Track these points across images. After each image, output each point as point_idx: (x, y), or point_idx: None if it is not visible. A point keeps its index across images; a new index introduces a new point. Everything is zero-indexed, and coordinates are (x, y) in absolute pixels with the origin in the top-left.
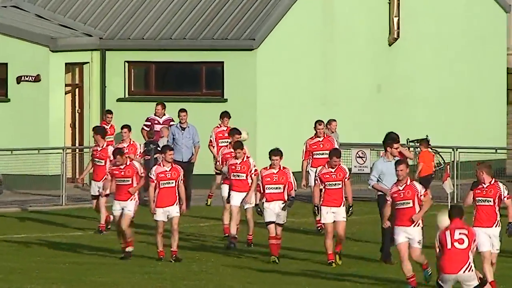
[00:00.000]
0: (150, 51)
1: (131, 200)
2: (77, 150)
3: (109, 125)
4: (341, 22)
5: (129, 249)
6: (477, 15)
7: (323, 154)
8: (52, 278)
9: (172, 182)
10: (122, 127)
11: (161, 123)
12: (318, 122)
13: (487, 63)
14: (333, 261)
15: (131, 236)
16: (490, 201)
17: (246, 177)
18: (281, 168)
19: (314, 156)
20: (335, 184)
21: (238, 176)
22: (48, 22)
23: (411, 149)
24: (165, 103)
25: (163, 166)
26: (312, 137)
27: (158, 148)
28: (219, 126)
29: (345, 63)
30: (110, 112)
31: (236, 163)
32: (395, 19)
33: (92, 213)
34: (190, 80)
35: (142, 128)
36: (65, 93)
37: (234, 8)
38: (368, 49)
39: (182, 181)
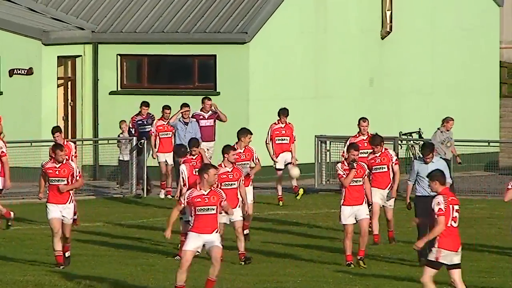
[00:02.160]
0: (142, 44)
1: (69, 202)
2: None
3: (167, 121)
4: (334, 16)
5: (68, 253)
6: (469, 9)
7: (366, 153)
8: (45, 270)
9: (234, 184)
10: (54, 131)
11: (206, 118)
12: (362, 119)
13: (480, 56)
14: (352, 262)
15: (69, 241)
16: None
17: None
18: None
19: None
20: (357, 180)
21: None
22: (41, 16)
23: (403, 142)
24: (159, 96)
25: (225, 166)
26: (356, 135)
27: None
28: (276, 123)
29: (337, 57)
30: (168, 107)
31: (192, 159)
32: (388, 13)
33: (83, 204)
34: (182, 73)
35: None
36: (58, 86)
37: (227, 2)
38: (361, 43)
39: (243, 182)
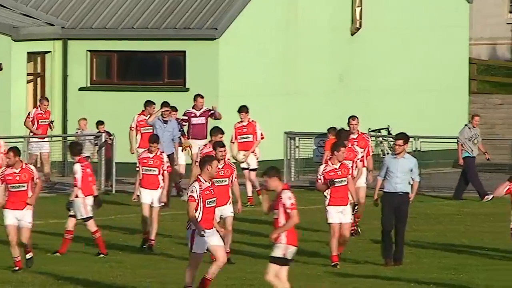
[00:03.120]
0: (112, 40)
1: (27, 209)
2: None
3: (146, 119)
4: (304, 12)
5: (29, 255)
6: (440, 5)
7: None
8: (12, 267)
9: (226, 180)
10: None
11: (198, 115)
12: (352, 117)
13: (450, 53)
14: (338, 263)
15: (31, 245)
16: None
17: (159, 172)
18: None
19: None
20: (341, 180)
21: (150, 171)
22: (10, 11)
23: (372, 138)
24: (128, 92)
25: None
26: None
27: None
28: (239, 121)
29: (307, 53)
30: (152, 103)
31: (149, 157)
32: (358, 9)
33: (52, 202)
34: (152, 69)
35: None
36: (27, 82)
37: None
38: (331, 39)
39: (236, 179)
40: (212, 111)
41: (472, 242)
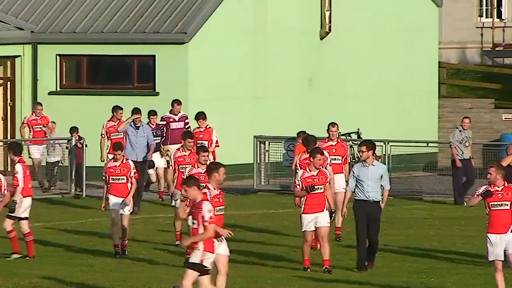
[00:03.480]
0: (81, 44)
1: None
2: (8, 143)
3: (117, 126)
4: (273, 16)
5: None
6: (409, 9)
7: (335, 159)
8: None
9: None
10: None
11: (177, 120)
12: (332, 124)
13: (419, 56)
14: (309, 267)
15: None
16: (507, 204)
17: (127, 180)
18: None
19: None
20: (317, 188)
21: (118, 179)
22: None
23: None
24: (98, 96)
25: (198, 167)
26: (325, 140)
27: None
28: (198, 127)
29: (276, 57)
30: (120, 108)
31: (116, 166)
32: (327, 13)
33: None
34: (121, 73)
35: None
36: None
37: (166, 2)
38: (300, 43)
39: None
40: (187, 121)
41: (443, 246)
